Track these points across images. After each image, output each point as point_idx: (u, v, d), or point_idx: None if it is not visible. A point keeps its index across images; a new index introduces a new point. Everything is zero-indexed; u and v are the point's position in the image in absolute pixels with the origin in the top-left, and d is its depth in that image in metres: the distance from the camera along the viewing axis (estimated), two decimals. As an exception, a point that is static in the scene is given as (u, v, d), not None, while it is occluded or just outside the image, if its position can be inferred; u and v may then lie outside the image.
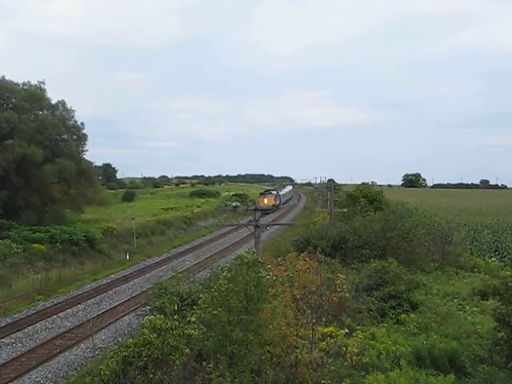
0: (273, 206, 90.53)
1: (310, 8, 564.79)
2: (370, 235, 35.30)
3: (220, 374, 13.64)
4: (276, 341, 15.20)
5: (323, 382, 14.89)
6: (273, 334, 14.95)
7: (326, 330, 19.11)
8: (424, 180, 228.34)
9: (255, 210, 27.72)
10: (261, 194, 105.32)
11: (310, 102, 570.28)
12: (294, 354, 15.48)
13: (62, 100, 52.73)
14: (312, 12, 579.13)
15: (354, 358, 16.79)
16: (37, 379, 19.93)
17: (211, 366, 14.05)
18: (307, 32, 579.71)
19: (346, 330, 19.99)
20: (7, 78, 50.90)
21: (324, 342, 18.04)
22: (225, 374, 13.56)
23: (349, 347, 17.47)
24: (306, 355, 15.64)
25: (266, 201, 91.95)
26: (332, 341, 18.25)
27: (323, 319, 18.90)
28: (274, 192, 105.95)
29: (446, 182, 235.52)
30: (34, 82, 51.92)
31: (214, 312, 14.14)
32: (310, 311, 17.46)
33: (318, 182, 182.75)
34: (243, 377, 13.70)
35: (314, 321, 17.24)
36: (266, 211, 78.96)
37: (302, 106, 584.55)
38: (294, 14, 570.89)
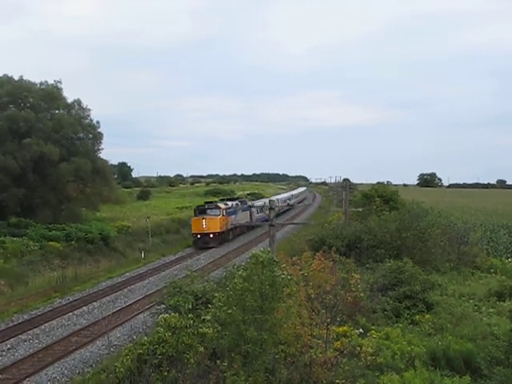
0: (221, 232, 54.08)
1: (322, 7, 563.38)
2: (385, 235, 35.18)
3: (234, 372, 13.65)
4: (290, 340, 15.18)
5: (337, 381, 14.85)
6: (287, 333, 14.93)
7: (341, 329, 19.07)
8: (440, 180, 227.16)
9: (270, 209, 27.68)
10: (198, 207, 56.41)
11: (325, 101, 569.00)
12: (309, 354, 15.45)
13: (78, 99, 53.23)
14: (324, 11, 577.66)
15: (369, 357, 16.74)
16: (53, 375, 20.12)
17: (225, 364, 14.06)
18: (320, 31, 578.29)
19: (361, 330, 19.94)
20: (25, 77, 51.52)
21: (338, 342, 18.00)
22: (239, 373, 13.57)
23: (363, 347, 17.43)
24: (321, 355, 15.60)
25: (204, 224, 53.00)
26: (346, 341, 18.21)
27: (338, 319, 18.86)
28: (230, 204, 61.04)
29: (462, 182, 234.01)
30: (50, 81, 52.42)
31: (229, 311, 14.15)
32: (324, 311, 17.43)
33: (333, 181, 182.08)
34: (257, 376, 13.70)
35: (328, 320, 17.21)
36: (206, 244, 52.57)
37: (318, 105, 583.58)
38: (306, 12, 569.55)
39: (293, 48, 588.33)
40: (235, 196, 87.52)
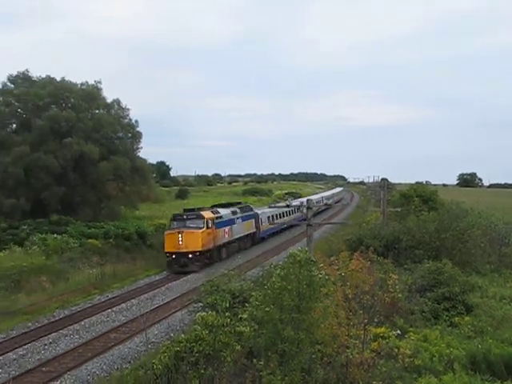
0: (205, 251, 40.42)
1: (362, 5, 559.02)
2: (423, 235, 34.72)
3: (270, 371, 13.70)
4: (327, 340, 15.14)
5: (374, 383, 14.75)
6: (324, 333, 14.90)
7: (378, 330, 18.91)
8: (480, 180, 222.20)
9: (308, 208, 27.59)
10: (175, 216, 42.51)
11: (362, 100, 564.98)
12: (345, 354, 15.39)
13: (117, 99, 53.98)
14: (364, 9, 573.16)
15: (406, 359, 16.56)
16: (92, 370, 20.49)
17: (262, 363, 14.12)
18: (359, 30, 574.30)
19: (398, 332, 19.72)
20: (66, 78, 52.59)
21: (375, 343, 17.85)
22: (275, 372, 13.61)
23: (401, 349, 17.25)
24: (357, 355, 15.52)
25: (180, 240, 39.43)
26: (384, 342, 18.06)
27: (375, 320, 18.73)
28: (223, 211, 46.32)
29: (503, 182, 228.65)
30: (90, 81, 53.35)
31: (266, 310, 14.21)
32: (361, 311, 17.34)
33: (371, 180, 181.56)
34: (293, 375, 13.72)
35: (365, 321, 17.12)
36: (183, 267, 39.43)
37: (355, 104, 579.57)
38: (345, 11, 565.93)
39: (332, 47, 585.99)
40: (275, 196, 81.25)
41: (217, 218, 43.61)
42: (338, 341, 15.62)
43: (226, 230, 45.25)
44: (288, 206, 57.17)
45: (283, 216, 62.20)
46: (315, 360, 14.87)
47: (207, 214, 42.35)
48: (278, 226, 59.43)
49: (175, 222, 41.13)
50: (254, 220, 52.95)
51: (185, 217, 41.35)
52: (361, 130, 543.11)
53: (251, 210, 54.26)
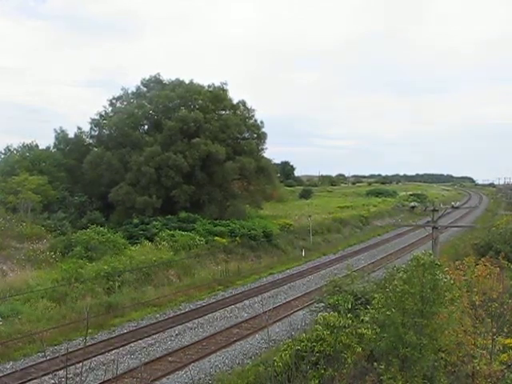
0: None
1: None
2: None
3: (391, 376, 13.33)
4: (451, 348, 14.44)
5: (503, 397, 13.89)
6: (448, 340, 14.23)
7: (508, 341, 17.76)
8: None
9: (433, 210, 26.66)
10: None
11: (493, 98, 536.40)
12: (471, 364, 14.60)
13: (243, 100, 55.00)
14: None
15: (541, 374, 15.41)
16: (215, 363, 21.10)
17: (382, 367, 13.77)
18: (484, 25, 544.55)
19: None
20: (194, 80, 54.61)
21: (505, 355, 16.77)
22: (396, 377, 13.22)
23: (535, 362, 16.10)
24: (485, 367, 14.65)
25: None
26: (514, 354, 16.94)
27: (505, 329, 17.62)
28: None
29: None
30: (217, 83, 54.89)
31: (388, 313, 13.86)
32: (489, 320, 16.37)
33: (501, 182, 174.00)
34: (415, 382, 13.25)
35: (493, 330, 16.13)
36: None
37: (485, 102, 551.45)
38: (473, 4, 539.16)
39: (462, 43, 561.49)
40: (399, 198, 78.59)
41: None
42: (463, 349, 14.85)
43: None
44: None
45: None
46: (438, 368, 14.23)
47: None
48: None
49: None
50: None
51: None
52: (493, 129, 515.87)
53: None
